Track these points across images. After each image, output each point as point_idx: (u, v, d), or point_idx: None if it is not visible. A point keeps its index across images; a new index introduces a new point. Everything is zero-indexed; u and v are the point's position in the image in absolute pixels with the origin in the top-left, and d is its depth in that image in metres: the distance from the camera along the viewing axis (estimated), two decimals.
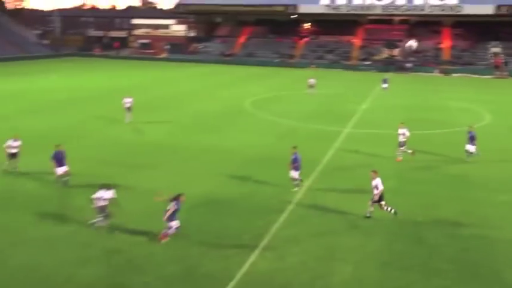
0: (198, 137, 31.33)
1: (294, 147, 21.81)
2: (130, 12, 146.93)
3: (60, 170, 21.27)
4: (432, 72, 79.01)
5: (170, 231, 16.43)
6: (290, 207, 19.62)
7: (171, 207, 16.24)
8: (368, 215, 18.64)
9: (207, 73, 73.50)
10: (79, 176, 22.66)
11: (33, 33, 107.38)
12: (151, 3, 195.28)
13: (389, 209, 18.52)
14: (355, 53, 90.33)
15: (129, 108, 35.31)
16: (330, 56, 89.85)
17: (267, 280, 14.30)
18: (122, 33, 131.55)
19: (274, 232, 17.33)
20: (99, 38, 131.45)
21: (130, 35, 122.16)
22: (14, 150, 23.01)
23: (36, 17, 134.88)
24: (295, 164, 21.13)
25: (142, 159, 25.76)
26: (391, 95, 51.78)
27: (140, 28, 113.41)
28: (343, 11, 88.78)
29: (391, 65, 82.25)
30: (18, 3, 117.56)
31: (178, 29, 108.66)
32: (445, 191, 21.93)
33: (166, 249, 15.90)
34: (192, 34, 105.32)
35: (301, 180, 21.71)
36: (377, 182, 18.25)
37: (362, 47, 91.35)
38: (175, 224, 16.43)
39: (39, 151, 25.29)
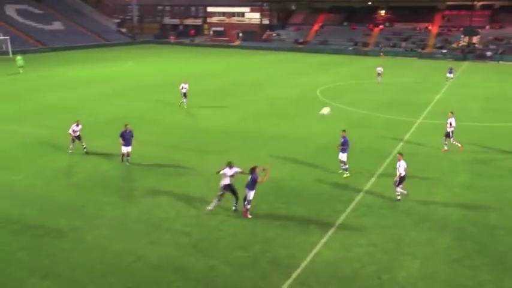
0: (270, 123, 31.48)
1: (343, 131, 21.98)
2: (206, 0, 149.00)
3: (125, 149, 22.70)
4: None
5: (249, 206, 17.23)
6: (358, 197, 19.34)
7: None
8: (398, 198, 18.96)
9: (279, 61, 73.45)
10: (150, 159, 23.44)
11: (113, 21, 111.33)
12: None
13: (399, 192, 18.84)
14: (432, 40, 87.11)
15: (185, 94, 36.24)
16: (405, 44, 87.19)
17: (332, 270, 14.18)
18: (196, 21, 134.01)
19: (341, 222, 17.15)
20: (175, 26, 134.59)
21: (204, 22, 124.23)
22: (77, 134, 24.59)
23: (115, 6, 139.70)
24: (344, 147, 21.47)
25: (213, 146, 26.20)
26: (468, 85, 49.64)
27: (215, 16, 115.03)
28: None
29: (469, 53, 78.75)
30: None
31: (252, 16, 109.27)
32: None
33: (233, 235, 16.13)
34: (265, 22, 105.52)
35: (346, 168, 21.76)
36: (400, 164, 18.59)
37: (439, 35, 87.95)
38: (251, 194, 17.19)
39: (111, 134, 26.35)
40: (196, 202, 18.65)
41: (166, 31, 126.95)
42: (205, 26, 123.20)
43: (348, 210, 18.17)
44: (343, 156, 21.65)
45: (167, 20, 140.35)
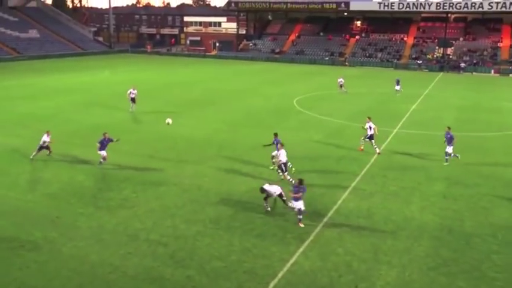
0: (247, 133, 31.48)
1: (275, 134, 24.56)
2: (183, 9, 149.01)
3: (102, 153, 23.69)
4: (489, 72, 76.47)
5: (301, 216, 17.72)
6: (335, 206, 19.44)
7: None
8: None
9: (256, 70, 73.69)
10: (127, 168, 23.25)
11: (90, 30, 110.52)
12: (203, 0, 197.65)
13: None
14: (407, 51, 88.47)
15: (133, 99, 37.96)
16: (380, 55, 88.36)
17: (309, 280, 14.20)
18: (173, 31, 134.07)
19: (318, 231, 17.21)
20: (152, 35, 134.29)
21: (181, 32, 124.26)
22: (46, 144, 25.09)
23: (92, 15, 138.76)
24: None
25: (191, 155, 26.11)
26: (442, 96, 50.45)
27: (191, 26, 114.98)
28: (396, 8, 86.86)
29: (443, 64, 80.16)
30: (77, 2, 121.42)
31: (229, 26, 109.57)
32: (497, 195, 21.20)
33: (209, 245, 16.05)
34: (242, 31, 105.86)
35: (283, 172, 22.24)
36: (280, 152, 21.94)
37: (414, 46, 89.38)
38: (297, 205, 17.86)
39: (87, 144, 26.05)
40: (173, 212, 18.54)
41: (143, 40, 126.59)
42: (182, 36, 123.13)
43: (325, 219, 18.24)
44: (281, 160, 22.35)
45: (144, 29, 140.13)
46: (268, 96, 47.62)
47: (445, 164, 25.27)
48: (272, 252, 15.67)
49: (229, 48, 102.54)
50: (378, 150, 27.11)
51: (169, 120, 27.62)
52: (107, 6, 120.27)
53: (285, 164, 22.04)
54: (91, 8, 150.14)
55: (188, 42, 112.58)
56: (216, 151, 27.17)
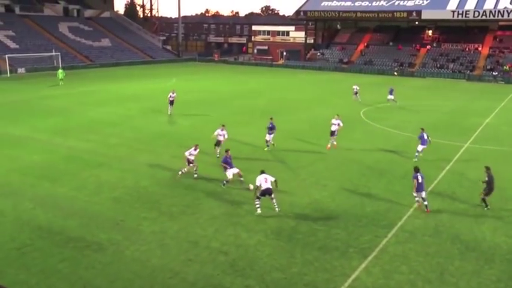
0: (312, 143, 31.38)
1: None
2: (251, 18, 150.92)
3: (230, 173, 22.58)
4: None
5: (426, 202, 19.98)
6: (400, 222, 18.97)
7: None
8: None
9: (323, 80, 73.36)
10: (191, 176, 23.68)
11: (159, 39, 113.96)
12: (272, 10, 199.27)
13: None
14: (481, 62, 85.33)
15: (171, 102, 40.60)
16: (452, 66, 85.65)
17: None
18: (241, 39, 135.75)
19: (382, 247, 16.84)
20: (219, 44, 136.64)
21: (249, 41, 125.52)
22: (192, 158, 23.69)
23: (162, 24, 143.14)
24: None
25: (252, 165, 26.29)
26: None
27: (259, 34, 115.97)
28: (471, 16, 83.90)
29: None
30: (148, 12, 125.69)
31: (297, 35, 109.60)
32: None
33: (270, 255, 16.06)
34: (310, 41, 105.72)
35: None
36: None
37: (489, 56, 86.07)
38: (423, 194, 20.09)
39: (153, 150, 26.80)
40: (235, 221, 18.69)
41: (210, 49, 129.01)
42: (250, 45, 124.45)
43: (390, 235, 17.83)
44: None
45: (212, 38, 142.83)
46: (335, 106, 47.22)
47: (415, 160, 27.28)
48: (334, 266, 15.48)
49: (296, 57, 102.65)
50: (328, 146, 30.29)
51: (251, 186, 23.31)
52: (177, 16, 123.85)
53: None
54: (161, 17, 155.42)
55: (255, 51, 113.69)
56: (279, 162, 27.21)
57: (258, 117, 39.38)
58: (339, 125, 30.85)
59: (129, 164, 26.02)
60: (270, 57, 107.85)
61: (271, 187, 19.36)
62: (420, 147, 28.09)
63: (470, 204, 21.02)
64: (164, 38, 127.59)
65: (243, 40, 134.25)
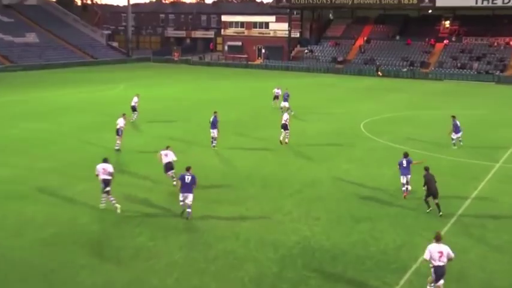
0: (298, 166, 31.35)
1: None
2: (221, 6, 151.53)
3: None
4: None
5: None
6: (415, 265, 18.89)
7: None
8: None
9: (313, 85, 73.84)
10: (145, 208, 23.42)
11: (102, 33, 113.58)
12: None
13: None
14: None
15: (134, 108, 44.11)
16: (477, 65, 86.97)
17: None
18: (208, 34, 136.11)
19: None
20: (180, 40, 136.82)
21: (218, 35, 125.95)
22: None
23: (106, 14, 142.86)
24: None
25: (223, 194, 26.15)
26: None
27: (231, 27, 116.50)
28: (500, 3, 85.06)
29: None
30: None
31: (278, 28, 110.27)
32: None
33: None
34: (295, 35, 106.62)
35: None
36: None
37: None
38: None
39: (93, 177, 26.44)
40: (202, 267, 18.48)
41: (169, 46, 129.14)
42: (219, 40, 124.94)
43: (402, 282, 17.81)
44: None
45: (171, 32, 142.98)
46: (329, 117, 47.48)
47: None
48: None
49: (278, 55, 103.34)
50: (286, 140, 36.65)
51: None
52: (125, 3, 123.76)
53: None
54: (105, 5, 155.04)
55: (226, 48, 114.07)
56: (259, 188, 27.10)
57: (229, 134, 39.32)
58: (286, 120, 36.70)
59: (63, 195, 25.62)
60: (245, 56, 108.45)
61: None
62: (458, 135, 36.07)
63: (505, 241, 21.12)
64: (109, 32, 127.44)
65: (210, 34, 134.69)
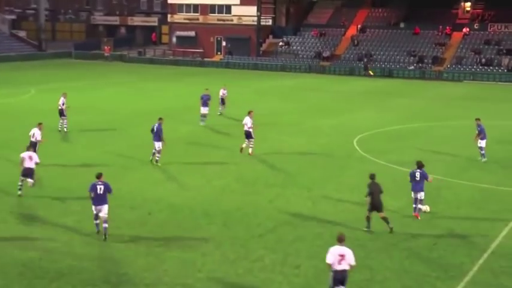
0: (274, 196, 31.23)
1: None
2: None
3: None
4: None
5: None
6: None
7: None
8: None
9: (290, 89, 73.93)
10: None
11: (4, 19, 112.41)
12: None
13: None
14: None
15: (61, 112, 45.40)
16: (508, 61, 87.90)
17: None
18: (149, 20, 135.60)
19: None
20: (112, 28, 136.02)
21: (164, 23, 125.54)
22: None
23: None
24: None
25: (175, 234, 25.99)
26: None
27: (180, 11, 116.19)
28: None
29: None
30: None
31: (243, 13, 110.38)
32: None
33: None
34: (267, 22, 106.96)
35: None
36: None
37: None
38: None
39: None
40: None
41: (97, 37, 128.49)
42: (165, 29, 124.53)
43: None
44: None
45: (99, 18, 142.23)
46: (312, 132, 47.53)
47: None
48: None
49: (244, 50, 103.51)
50: (250, 151, 39.42)
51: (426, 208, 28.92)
52: None
53: None
54: None
55: (175, 39, 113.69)
56: (219, 226, 26.98)
57: (180, 154, 39.23)
58: (246, 124, 39.40)
59: None
60: (200, 51, 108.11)
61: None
62: (483, 143, 38.19)
63: None
64: (14, 17, 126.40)
65: (153, 21, 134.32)
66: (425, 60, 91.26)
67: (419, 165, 28.17)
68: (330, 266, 18.34)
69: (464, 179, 34.96)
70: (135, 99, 63.63)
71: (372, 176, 26.66)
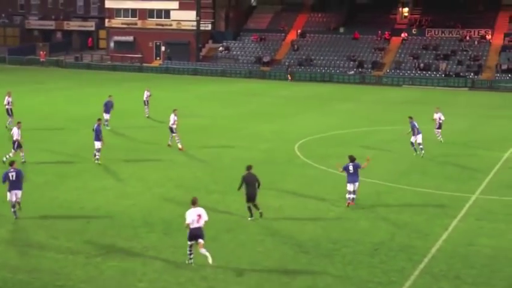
0: (214, 203, 31.06)
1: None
2: None
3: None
4: None
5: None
6: None
7: None
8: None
9: (230, 94, 73.89)
10: None
11: None
12: None
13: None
14: (492, 59, 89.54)
15: (8, 111, 48.51)
16: (446, 65, 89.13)
17: None
18: (86, 25, 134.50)
19: None
20: (48, 33, 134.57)
21: (101, 27, 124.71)
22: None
23: None
24: None
25: (114, 242, 25.73)
26: None
27: (118, 16, 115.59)
28: None
29: None
30: None
31: (183, 17, 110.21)
32: None
33: None
34: (206, 27, 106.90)
35: None
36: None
37: (505, 49, 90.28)
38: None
39: None
40: None
41: (32, 41, 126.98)
42: (102, 34, 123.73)
43: None
44: None
45: (34, 22, 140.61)
46: (252, 138, 47.54)
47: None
48: None
49: (183, 55, 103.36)
50: (179, 146, 42.59)
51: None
52: None
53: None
54: None
55: (112, 44, 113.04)
56: (161, 235, 26.80)
57: (119, 161, 38.91)
58: (174, 121, 42.76)
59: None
60: (139, 56, 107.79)
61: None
62: (416, 139, 41.01)
63: None
64: None
65: (90, 26, 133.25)
66: (365, 65, 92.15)
67: (352, 159, 30.73)
68: (188, 225, 22.30)
69: (404, 183, 35.35)
70: (72, 105, 63.02)
71: (249, 167, 28.28)
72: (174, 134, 42.94)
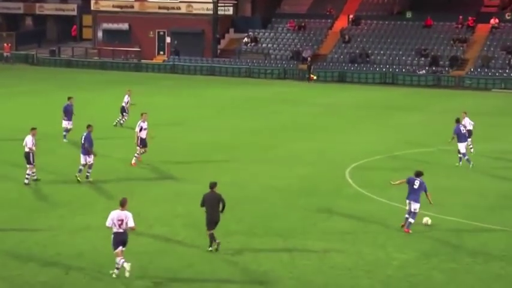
0: (239, 249, 31.16)
1: None
2: None
3: None
4: None
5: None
6: None
7: None
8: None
9: (259, 100, 74.20)
10: None
11: None
12: None
13: None
14: None
15: None
16: None
17: None
18: (66, 8, 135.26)
19: None
20: (14, 18, 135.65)
21: (86, 12, 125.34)
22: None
23: None
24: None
25: None
26: None
27: None
28: None
29: None
30: None
31: None
32: None
33: None
34: (226, 11, 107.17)
35: None
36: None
37: None
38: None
39: None
40: None
41: None
42: (87, 20, 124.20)
43: None
44: None
45: None
46: (289, 160, 47.58)
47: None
48: None
49: (195, 49, 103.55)
50: (133, 161, 45.23)
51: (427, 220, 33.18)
52: None
53: None
54: None
55: (101, 34, 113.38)
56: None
57: (109, 194, 39.13)
58: (142, 128, 45.50)
59: None
60: (136, 49, 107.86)
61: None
62: (462, 147, 44.97)
63: None
64: None
65: (71, 10, 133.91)
66: (441, 62, 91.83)
67: (418, 174, 32.42)
68: (110, 229, 25.26)
69: (494, 222, 35.06)
70: (44, 117, 63.19)
71: (212, 185, 29.50)
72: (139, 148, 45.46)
